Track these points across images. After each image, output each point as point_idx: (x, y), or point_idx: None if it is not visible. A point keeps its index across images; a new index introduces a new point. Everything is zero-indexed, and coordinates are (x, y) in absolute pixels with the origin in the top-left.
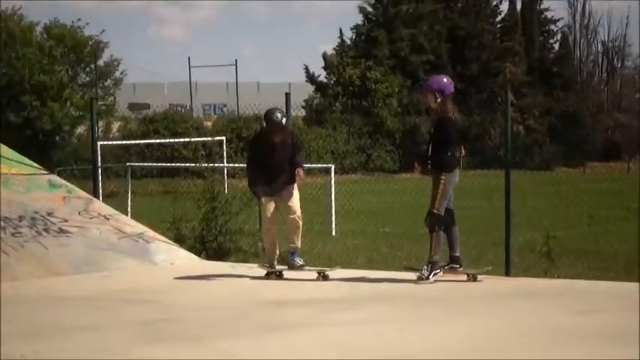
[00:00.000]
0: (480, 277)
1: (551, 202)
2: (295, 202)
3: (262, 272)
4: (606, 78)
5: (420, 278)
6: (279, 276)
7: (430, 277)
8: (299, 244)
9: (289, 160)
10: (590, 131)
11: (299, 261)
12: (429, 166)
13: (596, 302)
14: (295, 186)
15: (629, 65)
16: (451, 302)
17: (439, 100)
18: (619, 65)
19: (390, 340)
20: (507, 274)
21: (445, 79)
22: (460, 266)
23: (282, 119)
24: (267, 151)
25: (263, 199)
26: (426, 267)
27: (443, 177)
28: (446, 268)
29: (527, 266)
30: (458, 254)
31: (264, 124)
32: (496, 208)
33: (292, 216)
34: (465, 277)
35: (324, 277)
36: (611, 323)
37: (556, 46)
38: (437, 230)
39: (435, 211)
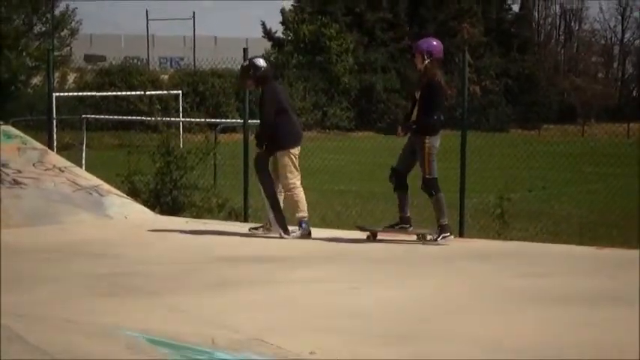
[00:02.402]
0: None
1: (506, 164)
2: (282, 169)
3: (215, 228)
4: (563, 41)
5: (426, 239)
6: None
7: (439, 239)
8: (300, 214)
9: (271, 116)
10: (545, 93)
11: (298, 230)
12: (414, 130)
13: (548, 265)
14: (283, 153)
15: (586, 28)
16: (404, 263)
17: (427, 61)
18: (576, 28)
19: (344, 298)
20: (461, 235)
21: (435, 42)
22: (410, 226)
23: (254, 64)
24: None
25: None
26: (436, 230)
27: (427, 141)
28: (396, 227)
29: (481, 227)
30: (408, 215)
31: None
32: (451, 169)
33: (286, 193)
34: (414, 237)
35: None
36: (562, 285)
37: (514, 8)
38: (436, 194)
39: (429, 177)
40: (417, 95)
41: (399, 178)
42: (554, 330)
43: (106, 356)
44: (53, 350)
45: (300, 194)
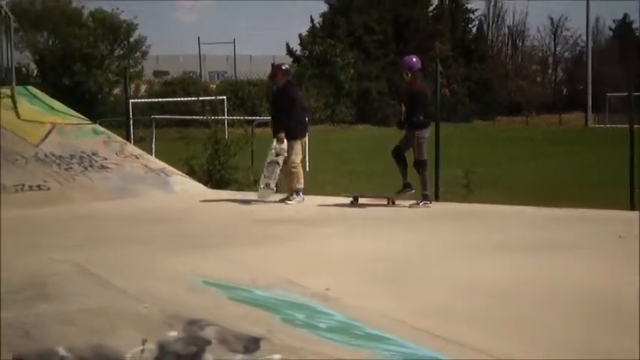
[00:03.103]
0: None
1: (471, 147)
2: (291, 152)
3: (252, 198)
4: (511, 54)
5: (412, 205)
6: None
7: (420, 204)
8: (298, 185)
9: (285, 112)
10: (498, 93)
11: (293, 199)
12: (406, 126)
13: (505, 222)
14: (293, 141)
15: (528, 44)
16: (394, 221)
17: (410, 75)
18: (520, 44)
19: (348, 249)
20: (437, 199)
21: (414, 59)
22: (412, 189)
23: (285, 66)
24: (274, 100)
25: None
26: (420, 199)
27: (416, 133)
28: (403, 191)
29: (451, 195)
30: (409, 181)
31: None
32: (428, 151)
33: (288, 165)
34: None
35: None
36: (516, 237)
37: (474, 29)
38: (423, 172)
39: (419, 159)
40: (406, 101)
41: (398, 153)
42: (512, 272)
43: (173, 295)
44: (134, 291)
45: (301, 170)
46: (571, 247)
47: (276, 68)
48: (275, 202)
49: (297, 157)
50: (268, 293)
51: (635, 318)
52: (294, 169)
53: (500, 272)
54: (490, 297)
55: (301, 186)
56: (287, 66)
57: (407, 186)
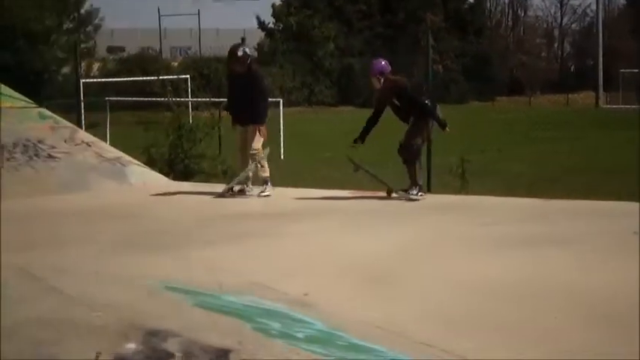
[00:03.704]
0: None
1: (466, 132)
2: (254, 139)
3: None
4: (511, 25)
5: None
6: (232, 194)
7: (411, 195)
8: (263, 174)
9: (252, 99)
10: (497, 70)
11: (266, 189)
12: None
13: (503, 215)
14: (259, 127)
15: (531, 15)
16: (384, 214)
17: (382, 80)
18: (522, 15)
19: (330, 247)
20: (429, 191)
21: (383, 62)
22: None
23: (241, 52)
24: (233, 83)
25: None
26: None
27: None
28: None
29: (445, 185)
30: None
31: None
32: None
33: (249, 152)
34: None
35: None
36: (513, 232)
37: None
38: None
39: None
40: (397, 102)
41: (418, 153)
42: (508, 268)
43: (131, 302)
44: (85, 298)
45: (263, 157)
46: (569, 241)
47: (242, 57)
48: (247, 194)
49: (258, 143)
50: (238, 299)
51: None
52: (255, 156)
53: (497, 270)
54: (488, 298)
55: (267, 174)
56: (244, 49)
57: (420, 188)
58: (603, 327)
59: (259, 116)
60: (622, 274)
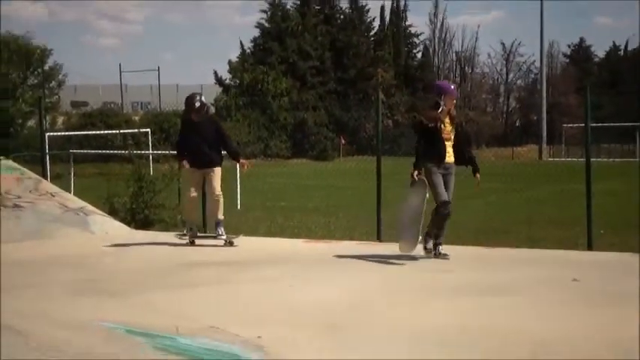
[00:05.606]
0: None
1: None
2: (218, 181)
3: (179, 240)
4: (459, 81)
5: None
6: (192, 243)
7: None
8: (221, 216)
9: (215, 143)
10: None
11: (221, 231)
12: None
13: (451, 263)
14: (220, 169)
15: (477, 72)
16: (337, 263)
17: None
18: (470, 71)
19: (284, 294)
20: (379, 239)
21: (453, 86)
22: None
23: (198, 102)
24: (191, 130)
25: (188, 169)
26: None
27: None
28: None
29: (393, 236)
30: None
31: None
32: (370, 187)
33: (216, 193)
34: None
35: (230, 243)
36: (460, 279)
37: (419, 55)
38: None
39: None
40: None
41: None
42: (456, 319)
43: (89, 346)
44: (39, 342)
45: (222, 201)
46: (519, 291)
47: (199, 106)
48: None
49: (219, 186)
50: (193, 341)
51: None
52: (218, 199)
53: (444, 319)
54: (434, 346)
55: (222, 217)
56: (201, 99)
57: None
58: None
59: (218, 160)
60: (560, 322)
